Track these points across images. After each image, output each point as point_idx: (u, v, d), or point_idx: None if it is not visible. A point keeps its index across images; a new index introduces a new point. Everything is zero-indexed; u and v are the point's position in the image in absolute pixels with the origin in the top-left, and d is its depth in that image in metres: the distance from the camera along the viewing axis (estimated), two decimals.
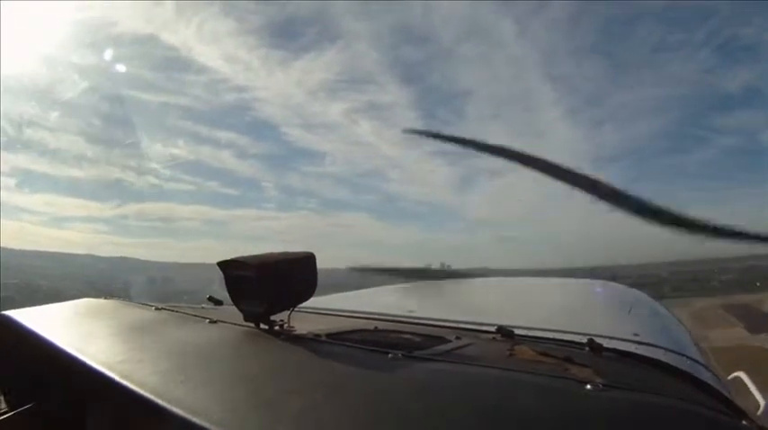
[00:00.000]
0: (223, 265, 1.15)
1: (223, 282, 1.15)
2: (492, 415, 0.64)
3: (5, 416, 1.16)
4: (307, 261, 1.16)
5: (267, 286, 1.09)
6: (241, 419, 0.62)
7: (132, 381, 0.74)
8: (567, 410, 0.67)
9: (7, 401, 1.22)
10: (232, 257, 1.14)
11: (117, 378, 0.77)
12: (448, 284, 3.00)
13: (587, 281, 2.81)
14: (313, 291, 1.17)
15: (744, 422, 0.77)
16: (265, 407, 0.67)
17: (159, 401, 0.66)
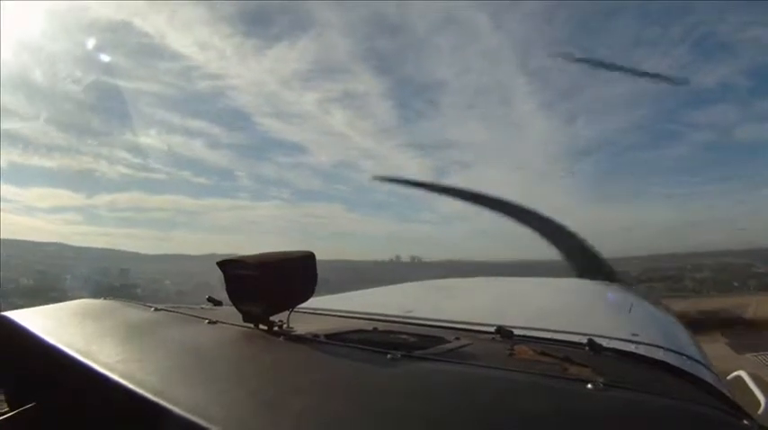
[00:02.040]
0: (222, 265, 1.15)
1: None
2: (492, 415, 0.64)
3: (6, 415, 1.17)
4: (306, 261, 1.16)
5: (267, 286, 1.09)
6: (241, 420, 0.62)
7: (132, 381, 0.74)
8: (568, 410, 0.67)
9: (8, 401, 1.22)
10: (230, 257, 1.14)
11: (117, 378, 0.77)
12: (447, 284, 3.00)
13: (587, 281, 2.82)
14: (313, 291, 1.17)
15: (744, 421, 0.77)
16: (265, 407, 0.67)
17: (159, 401, 0.66)
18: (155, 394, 0.68)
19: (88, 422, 1.05)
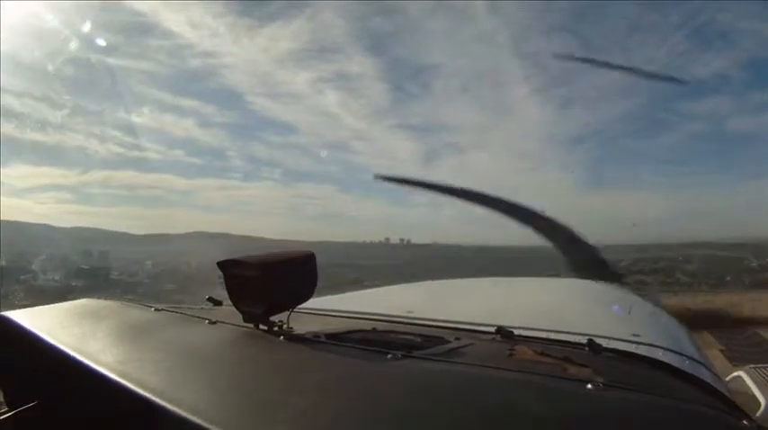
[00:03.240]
0: (223, 265, 1.15)
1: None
2: (492, 415, 0.64)
3: (6, 415, 1.16)
4: (307, 261, 1.16)
5: (267, 286, 1.09)
6: (241, 419, 0.62)
7: (132, 381, 0.74)
8: (568, 410, 0.67)
9: (8, 401, 1.22)
10: (231, 258, 1.15)
11: (117, 378, 0.77)
12: (447, 284, 3.00)
13: (587, 281, 2.82)
14: (313, 292, 1.17)
15: (744, 422, 0.77)
16: (265, 407, 0.67)
17: (159, 401, 0.66)
18: (155, 394, 0.68)
19: (88, 422, 1.05)
